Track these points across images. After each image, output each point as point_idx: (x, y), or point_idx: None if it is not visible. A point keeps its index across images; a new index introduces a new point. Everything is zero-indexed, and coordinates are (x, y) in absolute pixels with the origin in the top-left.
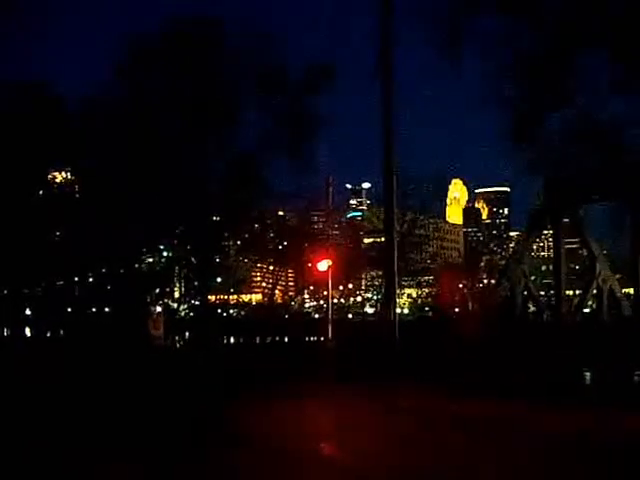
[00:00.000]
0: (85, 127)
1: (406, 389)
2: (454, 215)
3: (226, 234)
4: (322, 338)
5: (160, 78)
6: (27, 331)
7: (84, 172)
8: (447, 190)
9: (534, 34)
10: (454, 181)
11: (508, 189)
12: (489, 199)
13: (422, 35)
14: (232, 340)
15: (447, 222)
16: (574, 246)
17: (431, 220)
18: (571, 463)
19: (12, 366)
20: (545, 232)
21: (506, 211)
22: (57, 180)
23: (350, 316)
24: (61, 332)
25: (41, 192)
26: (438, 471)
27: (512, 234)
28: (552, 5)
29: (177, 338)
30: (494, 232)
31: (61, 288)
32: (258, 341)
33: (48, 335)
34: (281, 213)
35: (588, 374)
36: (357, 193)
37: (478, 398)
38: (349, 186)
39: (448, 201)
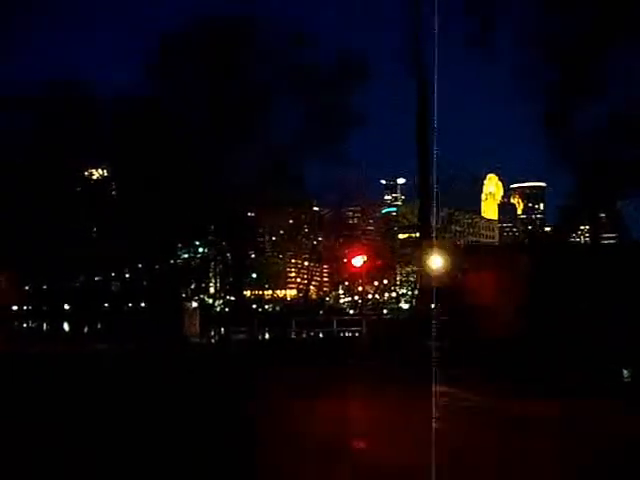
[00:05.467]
0: (120, 125)
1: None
2: (489, 210)
3: (261, 230)
4: (357, 334)
5: (193, 76)
6: (65, 325)
7: (120, 169)
8: (482, 185)
9: (569, 20)
10: (489, 176)
11: (544, 184)
12: (524, 194)
13: (454, 25)
14: (267, 336)
15: (482, 217)
16: (611, 242)
17: (466, 215)
18: None
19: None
20: (582, 227)
21: (542, 206)
22: (94, 177)
23: (385, 312)
24: (98, 326)
25: (78, 189)
26: None
27: (547, 229)
28: None
29: (212, 334)
30: (529, 227)
31: (98, 283)
32: (294, 336)
33: (85, 330)
34: (316, 209)
35: None
36: (392, 188)
37: (534, 397)
38: (384, 182)
39: (483, 196)
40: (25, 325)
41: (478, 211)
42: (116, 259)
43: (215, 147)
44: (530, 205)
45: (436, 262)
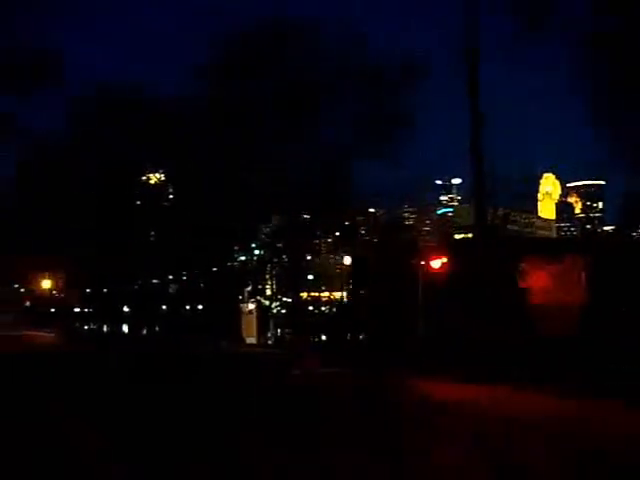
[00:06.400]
0: (177, 128)
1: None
2: (546, 210)
3: (317, 232)
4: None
5: (253, 78)
6: (124, 328)
7: (177, 173)
8: (539, 184)
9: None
10: (546, 175)
11: (603, 182)
12: (582, 193)
13: (503, 21)
14: (323, 337)
15: (539, 217)
16: None
17: (523, 215)
18: None
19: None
20: None
21: (600, 205)
22: (151, 182)
23: None
24: (156, 329)
25: (137, 193)
26: None
27: (607, 229)
28: None
29: (269, 335)
30: (588, 227)
31: (156, 286)
32: (349, 337)
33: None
34: (372, 210)
35: None
36: (447, 189)
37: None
38: (439, 182)
39: (540, 196)
40: (86, 327)
41: (535, 211)
42: (174, 262)
43: (271, 149)
44: (588, 204)
45: None
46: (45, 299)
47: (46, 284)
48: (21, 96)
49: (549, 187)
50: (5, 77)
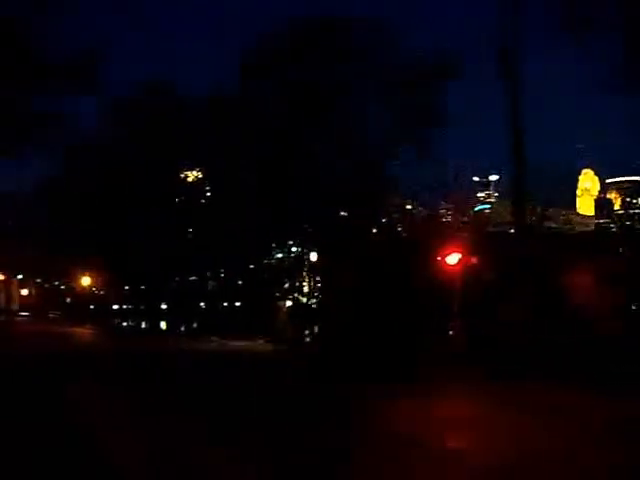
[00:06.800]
0: (214, 126)
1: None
2: (585, 206)
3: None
4: (450, 332)
5: (286, 77)
6: (162, 324)
7: (214, 171)
8: (577, 181)
9: None
10: (584, 171)
11: None
12: (622, 189)
13: (543, 13)
14: None
15: (578, 214)
16: None
17: (561, 212)
18: None
19: None
20: None
21: None
22: (189, 179)
23: None
24: (194, 325)
25: (174, 191)
26: None
27: None
28: None
29: (307, 332)
30: (627, 223)
31: (194, 283)
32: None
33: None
34: (409, 207)
35: None
36: (485, 185)
37: None
38: (476, 179)
39: (578, 192)
40: (125, 324)
41: (573, 207)
42: (211, 259)
43: (307, 148)
44: (628, 200)
45: None
46: (85, 296)
47: (86, 281)
48: (64, 96)
49: (588, 183)
50: (49, 77)
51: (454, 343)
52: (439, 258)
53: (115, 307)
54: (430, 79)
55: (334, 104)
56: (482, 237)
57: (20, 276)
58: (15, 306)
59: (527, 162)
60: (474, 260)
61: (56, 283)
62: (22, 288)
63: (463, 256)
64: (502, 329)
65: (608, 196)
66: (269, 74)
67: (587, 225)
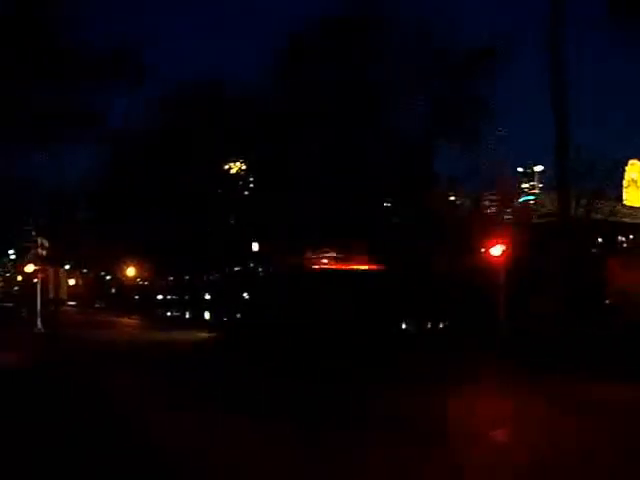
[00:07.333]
0: (256, 119)
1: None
2: (632, 197)
3: (396, 220)
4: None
5: (323, 67)
6: (206, 315)
7: (258, 164)
8: (624, 172)
9: None
10: (631, 162)
11: None
12: None
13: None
14: (403, 326)
15: (624, 205)
16: None
17: (607, 203)
18: None
19: None
20: None
21: None
22: (232, 171)
23: None
24: (237, 316)
25: (218, 182)
26: None
27: None
28: None
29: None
30: None
31: (237, 274)
32: (429, 326)
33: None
34: (452, 198)
35: None
36: (529, 176)
37: None
38: (521, 169)
39: (625, 183)
40: (169, 314)
41: (620, 198)
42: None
43: (348, 140)
44: None
45: None
46: (130, 287)
47: (131, 272)
48: (110, 93)
49: (634, 174)
50: (92, 75)
51: (490, 335)
52: (483, 249)
53: (159, 297)
54: (477, 64)
55: (373, 95)
56: (525, 229)
57: (67, 266)
58: (64, 296)
59: (572, 152)
60: (517, 252)
61: (102, 273)
62: (69, 278)
63: (507, 248)
64: (535, 321)
65: None
66: (306, 65)
67: (634, 217)
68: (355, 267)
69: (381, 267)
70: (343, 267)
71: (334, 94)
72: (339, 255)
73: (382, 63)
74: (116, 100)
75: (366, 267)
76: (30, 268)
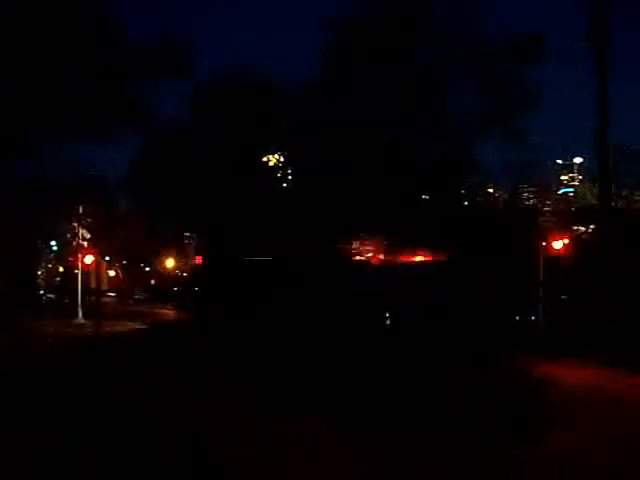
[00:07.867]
0: (296, 111)
1: None
2: None
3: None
4: (532, 317)
5: (366, 59)
6: None
7: (296, 156)
8: None
9: None
10: None
11: None
12: None
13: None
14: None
15: None
16: None
17: None
18: None
19: None
20: None
21: None
22: (270, 163)
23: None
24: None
25: (256, 175)
26: None
27: None
28: None
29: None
30: None
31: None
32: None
33: None
34: (490, 190)
35: None
36: (569, 168)
37: None
38: (560, 161)
39: None
40: None
41: None
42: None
43: (388, 133)
44: None
45: None
46: (169, 278)
47: (170, 264)
48: (151, 81)
49: None
50: (136, 63)
51: (534, 328)
52: (544, 244)
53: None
54: (520, 56)
55: (419, 87)
56: (564, 221)
57: (107, 258)
58: (104, 287)
59: (615, 144)
60: (558, 246)
61: (142, 265)
62: (109, 270)
63: (566, 242)
64: (580, 315)
65: None
66: (351, 60)
67: None
68: (417, 259)
69: (439, 259)
70: (405, 260)
71: (385, 86)
72: (385, 246)
73: (430, 49)
74: (163, 89)
75: (423, 259)
76: (89, 260)
